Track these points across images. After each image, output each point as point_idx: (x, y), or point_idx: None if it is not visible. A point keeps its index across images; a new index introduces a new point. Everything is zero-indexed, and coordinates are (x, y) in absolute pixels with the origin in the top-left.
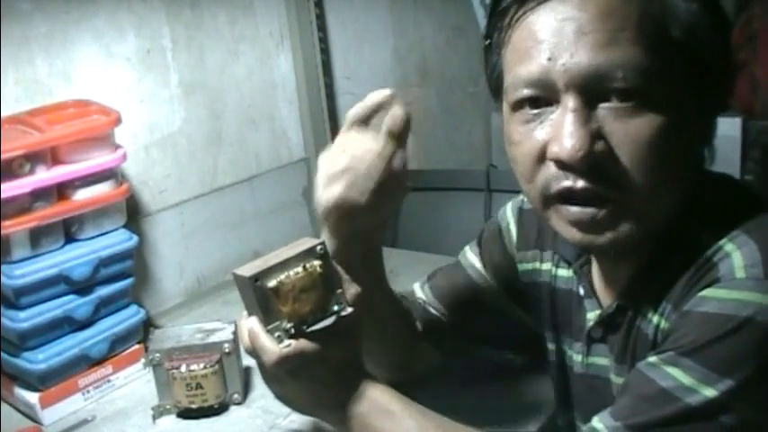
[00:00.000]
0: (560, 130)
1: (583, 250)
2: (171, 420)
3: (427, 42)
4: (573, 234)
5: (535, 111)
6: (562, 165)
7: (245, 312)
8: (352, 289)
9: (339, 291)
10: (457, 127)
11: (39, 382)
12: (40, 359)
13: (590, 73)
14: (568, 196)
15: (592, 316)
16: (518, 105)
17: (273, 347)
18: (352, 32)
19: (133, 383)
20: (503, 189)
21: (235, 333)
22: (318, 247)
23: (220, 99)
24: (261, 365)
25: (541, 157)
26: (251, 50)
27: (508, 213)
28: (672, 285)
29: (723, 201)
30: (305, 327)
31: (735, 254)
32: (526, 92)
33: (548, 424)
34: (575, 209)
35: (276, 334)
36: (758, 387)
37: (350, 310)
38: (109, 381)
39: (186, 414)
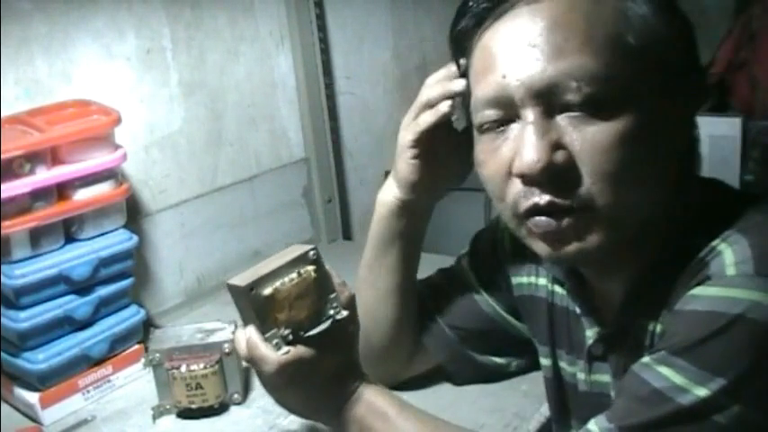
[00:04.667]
0: (521, 144)
1: (559, 265)
2: (171, 420)
3: (427, 42)
4: (542, 248)
5: (499, 129)
6: (525, 179)
7: (240, 322)
8: (346, 291)
9: (333, 295)
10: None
11: (39, 382)
12: (40, 359)
13: (543, 85)
14: (536, 212)
15: (591, 333)
16: (483, 126)
17: (272, 355)
18: (352, 32)
19: (133, 383)
20: None
21: (235, 332)
22: (311, 253)
23: (220, 99)
24: (260, 374)
25: (508, 175)
26: (251, 50)
27: (502, 225)
28: (668, 293)
29: (714, 204)
30: (302, 333)
31: (726, 251)
32: (488, 112)
33: (545, 426)
34: (542, 220)
35: (274, 341)
36: (751, 385)
37: (345, 313)
38: (109, 381)
39: (186, 414)
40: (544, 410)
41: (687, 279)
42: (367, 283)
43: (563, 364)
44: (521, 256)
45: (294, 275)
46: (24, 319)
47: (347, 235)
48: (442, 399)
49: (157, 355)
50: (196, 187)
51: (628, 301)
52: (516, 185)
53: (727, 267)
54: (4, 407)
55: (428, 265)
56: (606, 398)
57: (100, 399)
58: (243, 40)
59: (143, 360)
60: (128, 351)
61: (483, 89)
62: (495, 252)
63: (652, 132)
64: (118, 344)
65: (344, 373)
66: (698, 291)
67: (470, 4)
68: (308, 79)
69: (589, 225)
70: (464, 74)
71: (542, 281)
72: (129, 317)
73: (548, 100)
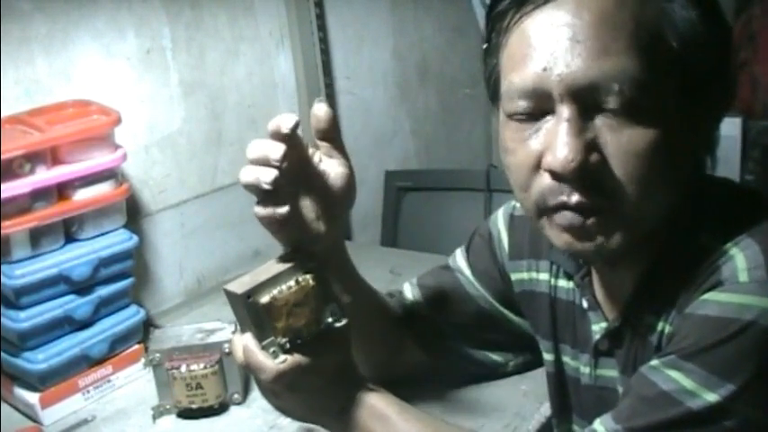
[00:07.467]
0: (554, 140)
1: (575, 258)
2: (171, 420)
3: (427, 42)
4: (565, 239)
5: (530, 119)
6: (556, 175)
7: (237, 327)
8: (345, 298)
9: (333, 303)
10: (457, 127)
11: (39, 382)
12: (40, 359)
13: (585, 84)
14: (563, 209)
15: (597, 328)
16: (513, 113)
17: (270, 364)
18: (352, 32)
19: (133, 383)
20: (503, 189)
21: (235, 333)
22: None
23: (220, 99)
24: (257, 381)
25: (536, 167)
26: (251, 50)
27: (499, 221)
28: (677, 292)
29: (726, 205)
30: (299, 341)
31: (738, 256)
32: (521, 102)
33: (545, 426)
34: (568, 214)
35: (271, 350)
36: (761, 390)
37: (345, 321)
38: (109, 381)
39: (186, 414)
40: (544, 410)
41: (698, 281)
42: None
43: (566, 359)
44: (519, 253)
45: (292, 283)
46: (24, 319)
47: (347, 235)
48: (441, 399)
49: (157, 355)
50: (196, 187)
51: (636, 295)
52: (544, 179)
53: (739, 273)
54: (4, 407)
55: (428, 266)
56: (610, 392)
57: (100, 399)
58: (243, 40)
59: (143, 360)
60: (128, 351)
61: (520, 78)
62: (493, 249)
63: (683, 139)
64: (118, 344)
65: (343, 377)
66: (710, 296)
67: None
68: (308, 79)
69: (614, 225)
70: (495, 52)
71: (543, 276)
72: (129, 317)
73: (586, 99)
